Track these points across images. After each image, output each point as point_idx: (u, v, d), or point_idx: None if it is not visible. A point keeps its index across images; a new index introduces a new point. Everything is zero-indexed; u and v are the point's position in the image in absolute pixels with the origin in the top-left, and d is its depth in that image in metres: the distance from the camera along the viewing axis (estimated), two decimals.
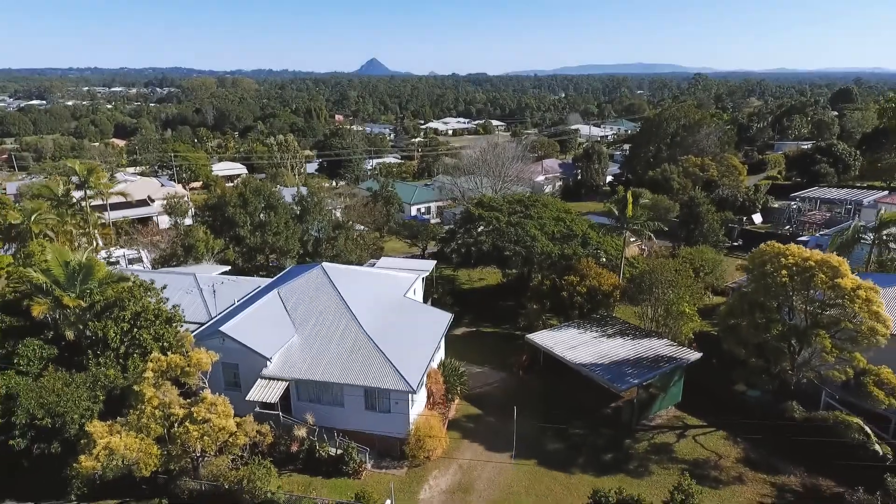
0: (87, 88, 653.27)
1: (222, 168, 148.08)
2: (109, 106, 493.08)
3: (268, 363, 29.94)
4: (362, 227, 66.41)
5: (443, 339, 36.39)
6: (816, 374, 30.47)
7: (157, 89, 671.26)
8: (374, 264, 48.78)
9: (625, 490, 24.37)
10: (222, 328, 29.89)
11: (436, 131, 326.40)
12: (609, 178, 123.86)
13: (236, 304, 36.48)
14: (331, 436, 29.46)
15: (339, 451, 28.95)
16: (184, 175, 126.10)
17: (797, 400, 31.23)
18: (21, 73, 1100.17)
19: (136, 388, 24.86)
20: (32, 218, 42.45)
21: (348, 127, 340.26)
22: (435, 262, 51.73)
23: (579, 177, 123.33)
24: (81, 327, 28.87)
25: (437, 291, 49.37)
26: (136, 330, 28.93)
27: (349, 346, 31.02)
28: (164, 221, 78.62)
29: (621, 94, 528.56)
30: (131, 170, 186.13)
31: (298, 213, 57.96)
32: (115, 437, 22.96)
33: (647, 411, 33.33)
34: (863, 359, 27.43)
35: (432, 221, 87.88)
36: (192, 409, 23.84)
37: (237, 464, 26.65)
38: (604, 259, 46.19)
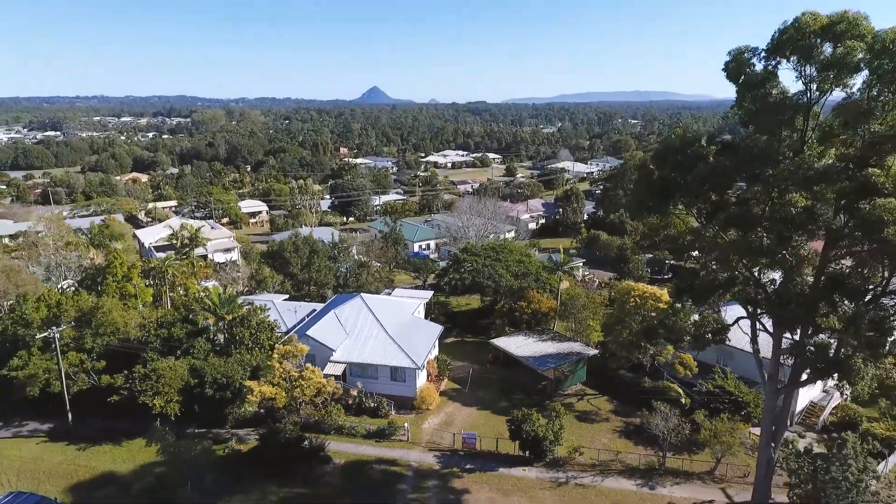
0: (98, 118, 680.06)
1: (247, 206, 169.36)
2: (123, 137, 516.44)
3: (333, 353, 51.44)
4: (378, 263, 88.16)
5: (436, 341, 57.93)
6: (653, 359, 52.06)
7: (167, 119, 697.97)
8: (391, 293, 70.42)
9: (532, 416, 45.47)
10: (308, 332, 51.54)
11: (436, 164, 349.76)
12: (585, 216, 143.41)
13: (305, 319, 58.10)
14: (370, 395, 50.85)
15: (375, 404, 50.29)
16: (220, 215, 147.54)
17: (649, 376, 52.84)
18: (30, 102, 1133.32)
19: (269, 363, 46.43)
20: (166, 263, 64.45)
21: (352, 160, 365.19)
22: (433, 291, 73.52)
23: (558, 216, 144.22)
24: (227, 332, 50.40)
25: (434, 312, 70.89)
26: (257, 333, 50.48)
27: (381, 343, 52.62)
28: (220, 257, 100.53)
29: (613, 126, 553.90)
30: (161, 204, 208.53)
31: (333, 255, 79.94)
32: (263, 387, 44.37)
33: (562, 386, 54.66)
34: (671, 349, 49.01)
35: (432, 256, 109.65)
36: (303, 372, 45.33)
37: (318, 408, 47.90)
38: (549, 289, 67.85)
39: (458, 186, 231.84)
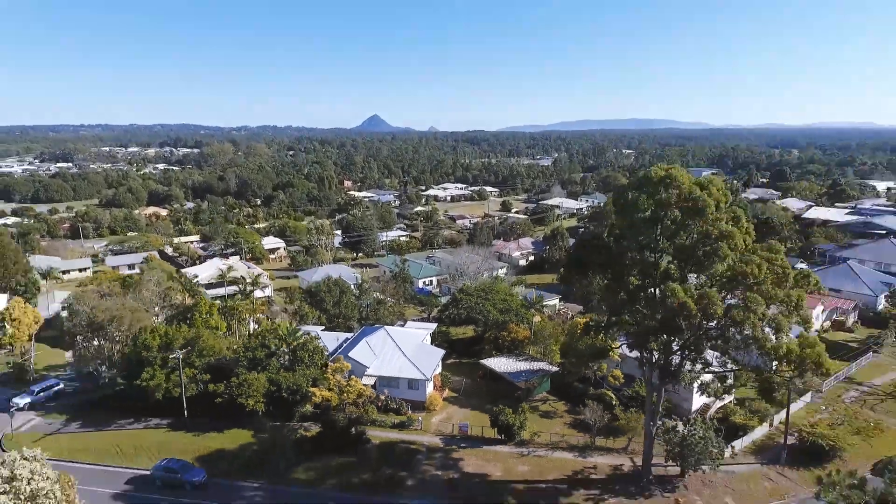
0: (106, 149, 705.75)
1: (267, 243, 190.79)
2: (134, 168, 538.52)
3: (367, 369, 72.80)
4: (391, 299, 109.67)
5: (440, 361, 79.31)
6: (594, 373, 73.56)
7: (174, 150, 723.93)
8: (404, 324, 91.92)
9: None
10: (349, 354, 73.02)
11: (436, 198, 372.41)
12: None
13: (343, 345, 79.47)
14: (394, 399, 72.11)
15: (397, 406, 71.51)
16: (247, 252, 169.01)
17: (593, 385, 74.29)
18: (36, 131, 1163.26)
19: (325, 375, 67.82)
20: (236, 303, 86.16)
21: (356, 194, 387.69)
22: (437, 323, 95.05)
23: (545, 254, 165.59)
24: (291, 354, 71.77)
25: (437, 339, 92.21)
26: (312, 355, 71.85)
27: (400, 362, 74.05)
28: (258, 293, 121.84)
29: (606, 159, 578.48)
30: (185, 239, 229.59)
31: (357, 294, 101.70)
32: (322, 392, 65.68)
33: (531, 394, 75.89)
34: (605, 366, 70.43)
35: (434, 291, 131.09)
36: (348, 382, 66.68)
37: (359, 407, 68.98)
38: (525, 321, 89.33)
39: (457, 222, 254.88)
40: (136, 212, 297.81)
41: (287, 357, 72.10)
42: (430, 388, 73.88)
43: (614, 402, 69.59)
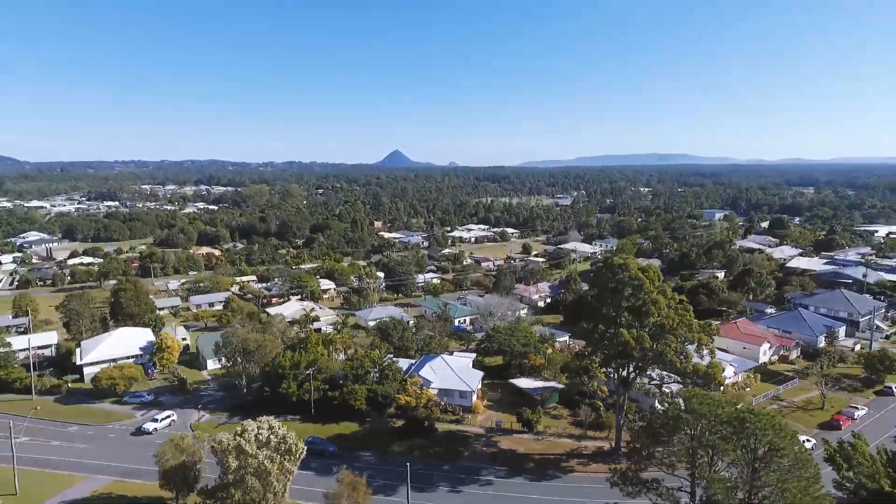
0: (147, 188, 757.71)
1: (323, 284, 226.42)
2: (176, 208, 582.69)
3: (431, 384, 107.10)
4: (437, 335, 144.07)
5: (480, 380, 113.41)
6: (588, 388, 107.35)
7: (210, 188, 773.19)
8: (451, 354, 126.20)
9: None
10: (419, 373, 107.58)
11: (461, 239, 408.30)
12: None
13: (411, 368, 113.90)
14: (450, 404, 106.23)
15: (452, 409, 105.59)
16: (307, 293, 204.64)
17: (588, 397, 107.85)
18: (75, 167, 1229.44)
19: (405, 387, 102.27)
20: (333, 336, 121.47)
21: (387, 234, 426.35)
22: (475, 354, 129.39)
23: (560, 296, 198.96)
24: (380, 372, 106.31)
25: (476, 365, 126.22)
26: (395, 373, 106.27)
27: (454, 379, 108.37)
28: (328, 328, 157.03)
29: (623, 200, 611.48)
30: (245, 278, 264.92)
31: (414, 330, 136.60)
32: (406, 398, 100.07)
33: (545, 404, 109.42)
34: (595, 384, 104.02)
35: (469, 329, 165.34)
36: (421, 391, 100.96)
37: (428, 409, 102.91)
38: (541, 353, 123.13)
39: (482, 264, 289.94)
40: (191, 251, 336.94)
41: (377, 374, 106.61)
42: (474, 397, 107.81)
43: (600, 407, 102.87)
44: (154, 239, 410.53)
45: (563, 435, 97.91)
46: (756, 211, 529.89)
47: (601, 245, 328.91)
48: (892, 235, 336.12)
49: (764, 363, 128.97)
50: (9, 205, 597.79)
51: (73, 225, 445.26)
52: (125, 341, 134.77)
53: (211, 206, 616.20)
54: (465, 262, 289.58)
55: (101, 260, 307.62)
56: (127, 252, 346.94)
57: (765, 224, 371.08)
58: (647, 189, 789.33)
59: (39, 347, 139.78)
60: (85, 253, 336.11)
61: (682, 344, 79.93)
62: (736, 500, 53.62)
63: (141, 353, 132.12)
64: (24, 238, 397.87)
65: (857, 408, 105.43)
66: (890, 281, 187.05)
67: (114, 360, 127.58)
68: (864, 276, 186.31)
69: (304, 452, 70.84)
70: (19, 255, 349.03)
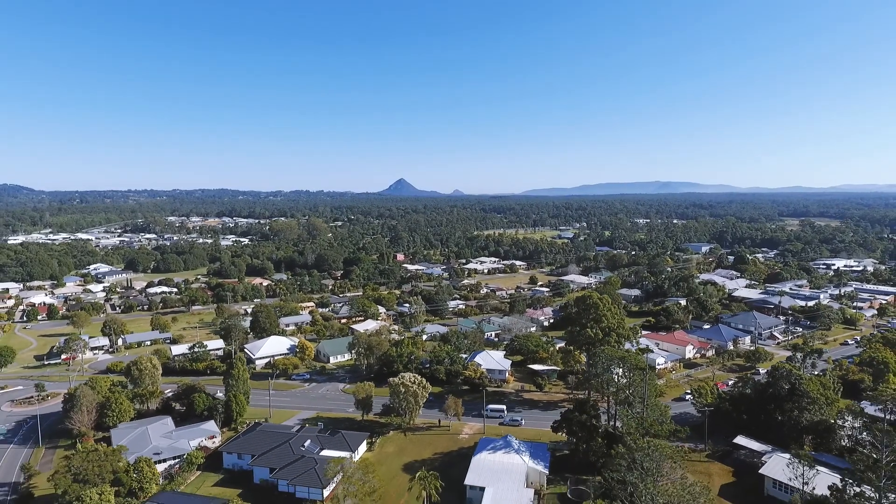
0: (177, 221, 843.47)
1: (381, 309, 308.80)
2: (217, 240, 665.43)
3: (481, 366, 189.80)
4: (477, 342, 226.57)
5: (509, 365, 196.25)
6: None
7: (237, 220, 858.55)
8: (489, 353, 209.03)
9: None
10: (475, 359, 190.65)
11: (475, 271, 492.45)
12: None
13: (467, 358, 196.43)
14: (493, 378, 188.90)
15: (495, 380, 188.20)
16: (373, 315, 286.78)
17: (574, 374, 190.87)
18: (91, 196, 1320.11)
19: (468, 365, 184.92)
20: (407, 341, 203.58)
21: (410, 267, 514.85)
22: (504, 353, 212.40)
23: (560, 318, 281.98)
24: (450, 358, 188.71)
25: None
26: (460, 360, 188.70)
27: (496, 362, 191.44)
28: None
29: (619, 234, 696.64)
30: (307, 304, 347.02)
31: (464, 338, 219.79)
32: (468, 372, 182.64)
33: (549, 378, 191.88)
34: (577, 365, 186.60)
35: (494, 339, 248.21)
36: (479, 370, 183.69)
37: (480, 379, 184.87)
38: (546, 351, 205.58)
39: (497, 293, 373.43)
40: (246, 281, 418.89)
41: (448, 360, 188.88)
42: (507, 374, 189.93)
43: (580, 376, 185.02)
44: (207, 270, 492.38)
45: (560, 391, 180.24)
46: (740, 244, 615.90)
47: (596, 276, 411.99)
48: (841, 268, 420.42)
49: (689, 358, 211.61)
50: (56, 237, 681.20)
51: (134, 257, 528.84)
52: (276, 344, 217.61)
53: (240, 239, 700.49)
54: (482, 291, 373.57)
55: (175, 289, 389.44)
56: (193, 283, 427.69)
57: (732, 258, 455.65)
58: (645, 220, 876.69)
59: (214, 349, 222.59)
60: (160, 283, 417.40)
61: (619, 338, 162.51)
62: (622, 397, 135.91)
63: (287, 351, 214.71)
64: (96, 269, 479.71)
65: (730, 380, 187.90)
66: (799, 306, 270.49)
67: (272, 356, 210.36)
68: (779, 302, 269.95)
69: (430, 388, 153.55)
70: (106, 284, 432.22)
